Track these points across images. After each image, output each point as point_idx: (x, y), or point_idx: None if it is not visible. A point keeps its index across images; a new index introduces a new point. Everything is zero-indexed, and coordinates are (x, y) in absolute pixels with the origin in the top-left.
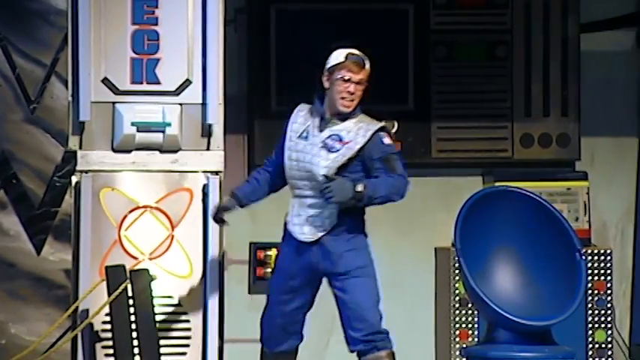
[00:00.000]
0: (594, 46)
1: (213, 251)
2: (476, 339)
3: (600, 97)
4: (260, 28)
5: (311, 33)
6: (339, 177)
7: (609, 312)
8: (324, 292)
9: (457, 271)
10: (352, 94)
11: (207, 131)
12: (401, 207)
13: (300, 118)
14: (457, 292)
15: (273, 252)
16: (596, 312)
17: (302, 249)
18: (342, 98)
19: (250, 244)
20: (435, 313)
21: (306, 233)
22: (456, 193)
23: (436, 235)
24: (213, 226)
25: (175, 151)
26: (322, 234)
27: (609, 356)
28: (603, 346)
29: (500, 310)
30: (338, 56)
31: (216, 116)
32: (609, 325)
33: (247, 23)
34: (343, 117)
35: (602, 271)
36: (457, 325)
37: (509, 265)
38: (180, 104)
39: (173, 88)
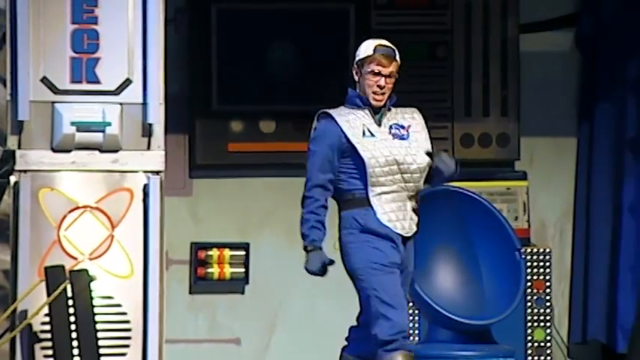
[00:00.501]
0: (534, 47)
1: (154, 251)
2: (417, 338)
3: (539, 97)
4: (201, 27)
5: (252, 32)
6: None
7: (548, 311)
8: (266, 291)
9: None
10: (382, 87)
11: (147, 131)
12: None
13: (346, 122)
14: None
15: (214, 252)
16: (535, 311)
17: (397, 243)
18: (374, 92)
19: (191, 244)
20: None
21: (406, 228)
22: None
23: None
24: (153, 226)
25: (115, 151)
26: (415, 228)
27: (548, 355)
28: (542, 344)
29: (440, 310)
30: (367, 48)
31: (156, 116)
32: (548, 324)
33: (188, 22)
34: (388, 109)
35: (541, 271)
36: None
37: (449, 265)
38: (121, 104)
39: (113, 88)
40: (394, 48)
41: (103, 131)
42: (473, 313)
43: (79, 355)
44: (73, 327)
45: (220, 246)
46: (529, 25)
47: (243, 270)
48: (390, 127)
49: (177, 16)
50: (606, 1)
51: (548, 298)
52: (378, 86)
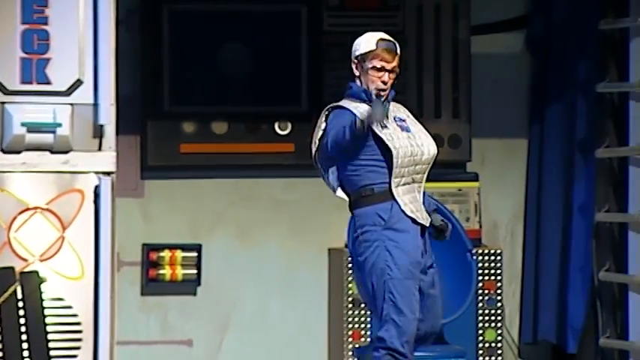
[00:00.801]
0: (485, 49)
1: (105, 253)
2: (368, 339)
3: (491, 99)
4: (152, 28)
5: (204, 33)
6: (445, 221)
7: (499, 311)
8: (218, 292)
9: (350, 272)
10: (386, 83)
11: (98, 132)
12: (295, 208)
13: (361, 114)
14: (350, 292)
15: (165, 253)
16: (487, 311)
17: (420, 236)
18: (377, 88)
19: (143, 245)
20: (328, 314)
21: (424, 218)
22: None
23: (330, 235)
24: (104, 228)
25: (66, 152)
26: (428, 217)
27: (499, 355)
28: (493, 345)
29: None
30: (367, 43)
31: (108, 117)
32: (499, 325)
33: (140, 23)
34: (391, 99)
35: (493, 271)
36: (350, 326)
37: None
38: (72, 104)
39: (64, 89)
40: (395, 41)
41: (54, 132)
42: None
43: (29, 357)
44: (23, 329)
45: (172, 247)
46: (480, 27)
47: (195, 271)
48: (394, 118)
49: (129, 17)
50: (556, 3)
51: (499, 298)
52: (382, 82)
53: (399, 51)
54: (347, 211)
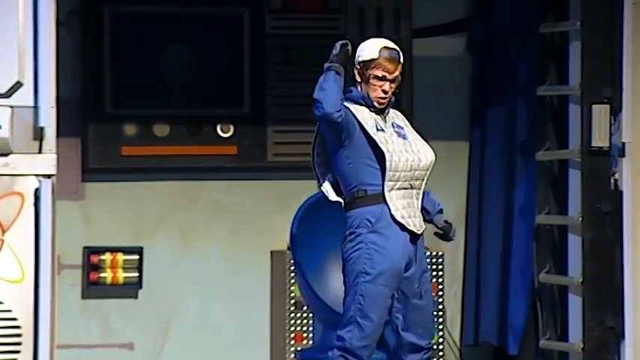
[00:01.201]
0: (426, 51)
1: (46, 256)
2: (311, 342)
3: (432, 101)
4: (94, 30)
5: (146, 36)
6: (449, 222)
7: (440, 314)
8: (159, 295)
9: (293, 274)
10: (387, 92)
11: (39, 134)
12: (237, 210)
13: (359, 113)
14: (292, 295)
15: (107, 256)
16: None
17: (407, 242)
18: (378, 97)
19: (84, 248)
20: (271, 317)
21: (417, 225)
22: (292, 196)
23: (272, 238)
24: (45, 231)
25: (6, 155)
26: (424, 225)
27: (440, 357)
28: (435, 347)
29: (333, 312)
30: (371, 51)
31: (48, 119)
32: (441, 327)
33: (81, 25)
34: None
35: (434, 273)
36: (292, 329)
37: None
38: (11, 107)
39: (3, 91)
40: (398, 50)
41: None
42: None
43: None
44: None
45: (113, 250)
46: (422, 30)
47: (136, 274)
48: (392, 124)
49: (70, 19)
50: (497, 6)
51: (440, 300)
52: (383, 91)
53: (402, 59)
54: (290, 213)
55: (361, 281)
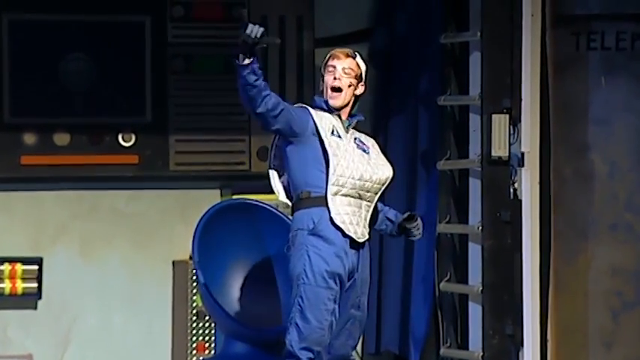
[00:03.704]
0: None
1: None
2: (213, 352)
3: None
4: None
5: (46, 44)
6: (413, 213)
7: None
8: (59, 306)
9: (195, 284)
10: (339, 80)
11: None
12: (138, 220)
13: (318, 116)
14: (194, 304)
15: (5, 267)
16: None
17: (348, 248)
18: (330, 89)
19: None
20: (172, 327)
21: (358, 233)
22: (195, 206)
23: (174, 248)
24: None
25: None
26: (367, 235)
27: None
28: None
29: (236, 322)
30: (327, 55)
31: None
32: None
33: None
34: (354, 122)
35: None
36: (194, 338)
37: (248, 278)
38: None
39: None
40: (356, 51)
41: None
42: (270, 325)
43: None
44: None
45: (12, 260)
46: (324, 40)
47: (36, 285)
48: (355, 138)
49: None
50: (399, 17)
51: None
52: (334, 78)
53: (359, 59)
54: (192, 223)
55: (300, 283)
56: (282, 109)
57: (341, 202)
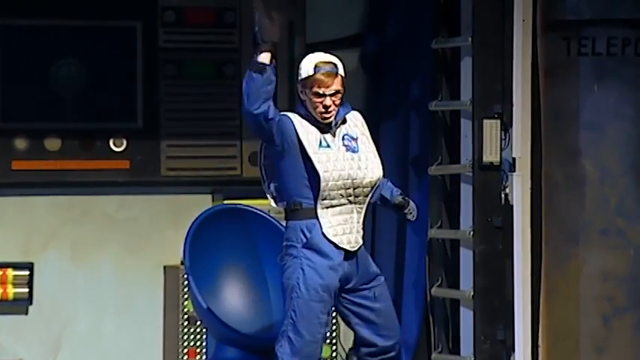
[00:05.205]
0: None
1: None
2: (204, 357)
3: None
4: None
5: (37, 49)
6: (405, 198)
7: (334, 327)
8: (50, 311)
9: (186, 289)
10: (329, 107)
11: None
12: (130, 225)
13: (302, 127)
14: (186, 310)
15: None
16: None
17: (342, 259)
18: (320, 112)
19: None
20: (164, 332)
21: (352, 242)
22: (186, 211)
23: (165, 253)
24: None
25: None
26: (361, 241)
27: None
28: None
29: (227, 327)
30: (307, 67)
31: None
32: (334, 341)
33: None
34: (342, 120)
35: None
36: (185, 344)
37: (239, 283)
38: None
39: None
40: (335, 62)
41: None
42: (261, 331)
43: None
44: None
45: (3, 266)
46: (315, 45)
47: (26, 290)
48: (343, 137)
49: None
50: (390, 22)
51: (334, 314)
52: (324, 106)
53: (340, 71)
54: (183, 228)
55: (294, 297)
56: (279, 119)
57: (332, 214)
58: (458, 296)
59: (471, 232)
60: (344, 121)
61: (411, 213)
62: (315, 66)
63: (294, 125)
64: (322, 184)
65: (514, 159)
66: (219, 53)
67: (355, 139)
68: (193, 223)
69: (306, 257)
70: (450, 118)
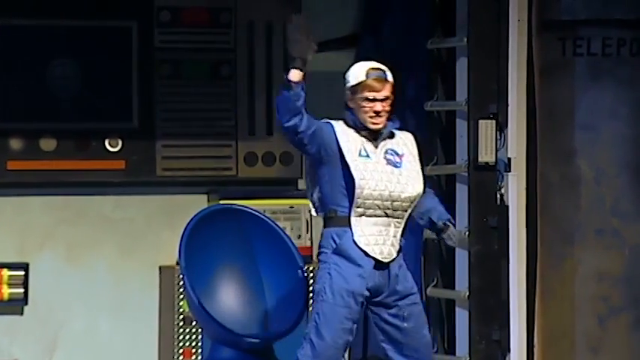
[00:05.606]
0: (316, 67)
1: None
2: (200, 357)
3: (322, 116)
4: None
5: (32, 48)
6: (446, 223)
7: None
8: (46, 312)
9: (181, 290)
10: (379, 112)
11: None
12: (125, 226)
13: (344, 135)
14: (181, 310)
15: None
16: None
17: (372, 268)
18: (371, 117)
19: None
20: (159, 332)
21: (384, 253)
22: (182, 211)
23: (161, 253)
24: None
25: None
26: (396, 254)
27: None
28: None
29: (222, 327)
30: (358, 74)
31: None
32: None
33: None
34: (389, 134)
35: None
36: (181, 344)
37: (235, 283)
38: None
39: None
40: (385, 69)
41: None
42: (257, 330)
43: None
44: None
45: None
46: None
47: (22, 290)
48: (386, 151)
49: None
50: (386, 22)
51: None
52: (375, 112)
53: (390, 78)
54: (179, 228)
55: (319, 300)
56: (314, 130)
57: (367, 223)
58: (453, 296)
59: (467, 233)
60: (392, 136)
61: (450, 238)
62: (367, 72)
63: (335, 133)
64: (357, 191)
65: (509, 159)
66: (215, 53)
67: (400, 156)
68: (189, 223)
69: (335, 262)
70: (446, 119)
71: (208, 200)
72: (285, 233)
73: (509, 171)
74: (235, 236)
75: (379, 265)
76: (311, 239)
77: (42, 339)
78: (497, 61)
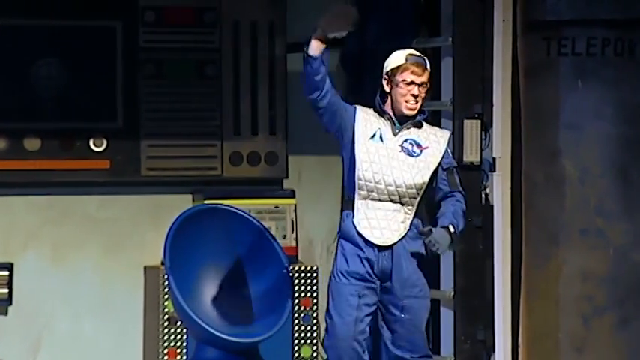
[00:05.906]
0: (301, 66)
1: None
2: (184, 357)
3: (307, 116)
4: None
5: (16, 48)
6: (432, 228)
7: (315, 328)
8: (30, 312)
9: (166, 290)
10: (416, 96)
11: None
12: (110, 226)
13: (364, 120)
14: (166, 310)
15: None
16: (302, 328)
17: (375, 251)
18: (407, 101)
19: None
20: (144, 332)
21: (384, 237)
22: (166, 211)
23: (146, 253)
24: None
25: None
26: (397, 239)
27: None
28: None
29: (207, 328)
30: (398, 58)
31: None
32: (315, 341)
33: None
34: (414, 124)
35: (309, 288)
36: (166, 344)
37: (219, 283)
38: None
39: None
40: (424, 58)
41: None
42: (243, 331)
43: None
44: None
45: None
46: (296, 45)
47: (6, 290)
48: (405, 140)
49: None
50: (371, 22)
51: (315, 315)
52: (412, 95)
53: (429, 67)
54: (163, 228)
55: (330, 283)
56: (335, 110)
57: (373, 207)
58: (438, 296)
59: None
60: (419, 126)
61: (433, 244)
62: (407, 56)
63: (355, 116)
64: (358, 173)
65: (494, 159)
66: (200, 53)
67: (421, 147)
68: (174, 223)
69: (342, 245)
70: (431, 118)
71: (193, 200)
72: (270, 233)
73: (494, 171)
74: (220, 236)
75: (382, 247)
76: (296, 239)
77: (26, 339)
78: (482, 62)
